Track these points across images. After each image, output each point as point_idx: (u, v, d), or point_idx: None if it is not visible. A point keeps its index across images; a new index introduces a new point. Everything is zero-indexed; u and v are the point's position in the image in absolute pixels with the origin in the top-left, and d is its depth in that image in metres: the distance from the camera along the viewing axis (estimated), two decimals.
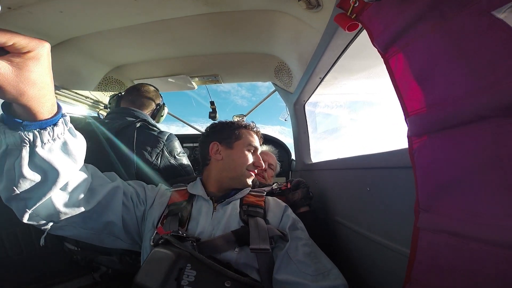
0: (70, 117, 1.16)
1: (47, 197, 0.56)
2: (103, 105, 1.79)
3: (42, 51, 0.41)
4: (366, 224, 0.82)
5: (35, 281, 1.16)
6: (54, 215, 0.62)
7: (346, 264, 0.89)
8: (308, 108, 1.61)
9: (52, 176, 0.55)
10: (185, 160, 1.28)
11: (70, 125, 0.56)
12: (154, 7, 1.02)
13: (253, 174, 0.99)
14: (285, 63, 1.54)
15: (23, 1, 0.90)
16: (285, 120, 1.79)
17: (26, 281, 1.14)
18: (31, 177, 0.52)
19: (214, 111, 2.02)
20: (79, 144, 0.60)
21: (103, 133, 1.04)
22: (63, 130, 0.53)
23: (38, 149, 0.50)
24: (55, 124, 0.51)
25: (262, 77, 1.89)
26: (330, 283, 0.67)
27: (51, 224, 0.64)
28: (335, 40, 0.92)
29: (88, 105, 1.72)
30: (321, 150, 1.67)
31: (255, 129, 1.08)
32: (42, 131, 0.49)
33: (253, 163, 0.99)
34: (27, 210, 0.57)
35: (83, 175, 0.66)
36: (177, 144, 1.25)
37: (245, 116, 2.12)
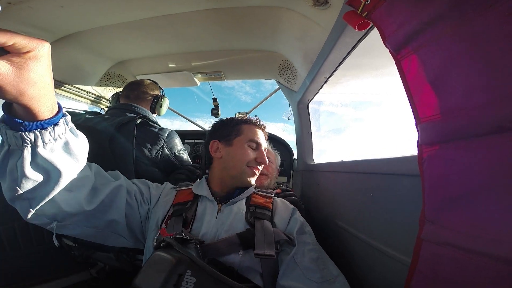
0: (70, 112, 1.17)
1: (50, 196, 0.57)
2: (105, 100, 1.78)
3: (42, 51, 0.41)
4: (367, 230, 0.79)
5: (33, 276, 1.17)
6: (57, 214, 0.63)
7: (345, 268, 0.87)
8: (312, 106, 1.58)
9: (55, 176, 0.55)
10: (185, 157, 1.27)
11: (71, 124, 0.56)
12: (157, 2, 1.00)
13: (255, 171, 0.96)
14: (289, 61, 1.50)
15: None
16: (288, 118, 1.76)
17: (23, 276, 1.14)
18: (34, 177, 0.53)
19: (216, 107, 2.00)
20: (81, 144, 0.60)
21: (103, 128, 1.02)
22: (64, 130, 0.53)
23: (40, 149, 0.50)
24: (56, 124, 0.51)
25: (265, 75, 1.86)
26: None
27: (55, 223, 0.64)
28: (342, 39, 0.89)
29: (91, 100, 1.71)
30: (324, 150, 1.64)
31: (258, 123, 1.04)
32: (43, 131, 0.49)
33: (255, 159, 0.95)
34: (31, 209, 0.58)
35: (86, 174, 0.65)
36: (177, 141, 1.23)
37: (247, 113, 2.09)
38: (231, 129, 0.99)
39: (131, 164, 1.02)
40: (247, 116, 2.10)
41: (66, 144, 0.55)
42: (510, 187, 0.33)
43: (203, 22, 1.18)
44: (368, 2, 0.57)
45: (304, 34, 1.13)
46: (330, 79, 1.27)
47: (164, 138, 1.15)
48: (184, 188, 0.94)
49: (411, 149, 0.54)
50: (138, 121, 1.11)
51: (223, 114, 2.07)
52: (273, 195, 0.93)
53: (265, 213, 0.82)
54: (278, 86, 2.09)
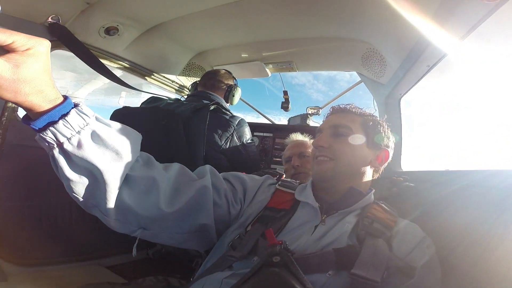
0: (154, 96, 1.28)
1: (111, 200, 0.54)
2: (187, 90, 1.94)
3: (42, 48, 0.41)
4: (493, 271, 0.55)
5: (95, 250, 1.31)
6: (139, 220, 0.60)
7: None
8: (404, 100, 1.31)
9: (99, 175, 0.51)
10: (253, 148, 1.24)
11: (94, 113, 0.51)
12: None
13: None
14: (376, 49, 1.29)
15: None
16: None
17: (84, 250, 1.27)
18: (78, 179, 0.50)
19: (287, 101, 1.91)
20: (117, 134, 0.53)
21: (180, 112, 1.07)
22: (82, 120, 0.48)
23: (67, 146, 0.47)
24: (66, 114, 0.46)
25: (344, 66, 1.67)
26: None
27: (140, 230, 0.61)
28: (458, 16, 0.65)
29: (175, 89, 1.88)
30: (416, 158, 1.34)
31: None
32: (55, 124, 0.45)
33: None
34: (105, 217, 0.56)
35: (151, 174, 0.60)
36: (247, 130, 1.22)
37: (321, 108, 1.92)
38: None
39: (201, 148, 1.04)
40: (320, 111, 1.97)
41: (95, 135, 0.50)
42: None
43: (275, 8, 1.13)
44: None
45: (399, 11, 0.90)
46: (436, 68, 1.00)
47: (234, 126, 1.15)
48: (286, 190, 0.79)
49: None
50: (212, 107, 1.13)
51: (293, 110, 1.97)
52: (397, 215, 0.73)
53: (383, 231, 0.65)
54: (357, 81, 1.86)
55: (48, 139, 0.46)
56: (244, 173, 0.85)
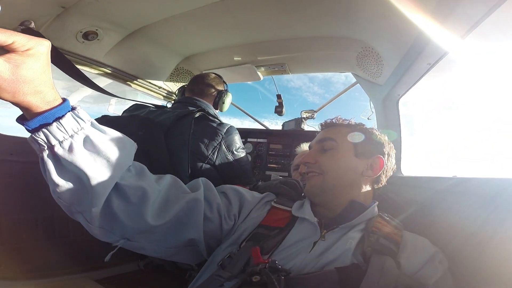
0: (137, 104, 1.21)
1: (96, 206, 0.52)
2: (176, 96, 1.86)
3: (42, 49, 0.41)
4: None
5: (81, 263, 1.23)
6: (123, 230, 0.58)
7: None
8: (403, 101, 1.24)
9: (87, 181, 0.49)
10: (243, 157, 1.16)
11: (90, 119, 0.50)
12: None
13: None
14: (372, 48, 1.23)
15: None
16: (368, 118, 1.44)
17: (71, 263, 1.20)
18: (65, 184, 0.49)
19: (280, 105, 1.85)
20: (110, 142, 0.53)
21: (161, 121, 0.99)
22: (77, 124, 0.48)
23: (57, 149, 0.46)
24: (61, 117, 0.46)
25: (338, 67, 1.61)
26: None
27: (123, 240, 0.60)
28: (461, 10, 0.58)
29: (163, 95, 1.81)
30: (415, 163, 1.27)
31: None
32: (49, 126, 0.45)
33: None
34: (89, 224, 0.55)
35: (145, 185, 0.58)
36: (237, 138, 1.13)
37: (315, 112, 1.86)
38: None
39: (185, 159, 0.95)
40: (315, 115, 1.92)
41: (88, 141, 0.49)
42: None
43: (264, 7, 1.07)
44: None
45: (396, 6, 0.84)
46: (438, 65, 0.93)
47: (223, 134, 1.07)
48: (282, 206, 0.75)
49: None
50: (197, 115, 1.05)
51: (288, 114, 1.91)
52: (402, 227, 0.69)
53: (390, 247, 0.60)
54: (354, 81, 1.79)
55: (39, 140, 0.46)
56: (240, 186, 0.82)
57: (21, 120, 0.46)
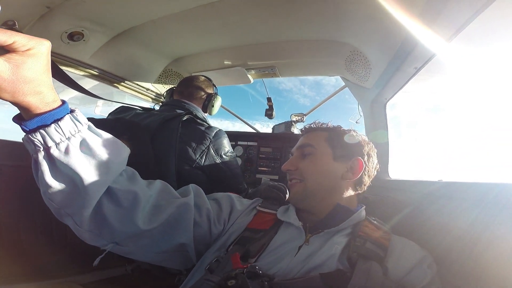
0: (123, 106, 1.18)
1: (87, 208, 0.52)
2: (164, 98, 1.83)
3: (42, 49, 0.41)
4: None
5: (68, 266, 1.20)
6: (113, 234, 0.58)
7: None
8: (390, 104, 1.26)
9: (80, 183, 0.49)
10: (233, 161, 1.14)
11: (87, 122, 0.51)
12: None
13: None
14: (360, 52, 1.24)
15: None
16: (356, 122, 1.45)
17: (55, 267, 1.17)
18: (57, 186, 0.49)
19: (271, 108, 1.85)
20: (105, 145, 0.53)
21: (147, 124, 0.97)
22: (75, 126, 0.48)
23: (53, 151, 0.46)
24: (59, 119, 0.46)
25: (327, 71, 1.63)
26: None
27: (111, 245, 0.59)
28: (446, 15, 0.60)
29: (151, 98, 1.77)
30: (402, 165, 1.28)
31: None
32: (46, 128, 0.45)
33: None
34: (78, 227, 0.54)
35: (137, 189, 0.59)
36: (225, 142, 1.11)
37: (305, 115, 1.86)
38: None
39: (171, 163, 0.93)
40: (305, 118, 1.92)
41: (84, 144, 0.50)
42: None
43: (254, 9, 1.06)
44: None
45: (384, 14, 0.85)
46: (425, 68, 0.95)
47: (211, 138, 1.05)
48: (266, 210, 0.76)
49: None
50: (184, 118, 1.03)
51: (278, 117, 1.91)
52: (390, 231, 0.68)
53: (377, 251, 0.59)
54: (343, 85, 1.81)
55: (36, 141, 0.46)
56: (231, 193, 0.83)
57: (18, 120, 0.46)
